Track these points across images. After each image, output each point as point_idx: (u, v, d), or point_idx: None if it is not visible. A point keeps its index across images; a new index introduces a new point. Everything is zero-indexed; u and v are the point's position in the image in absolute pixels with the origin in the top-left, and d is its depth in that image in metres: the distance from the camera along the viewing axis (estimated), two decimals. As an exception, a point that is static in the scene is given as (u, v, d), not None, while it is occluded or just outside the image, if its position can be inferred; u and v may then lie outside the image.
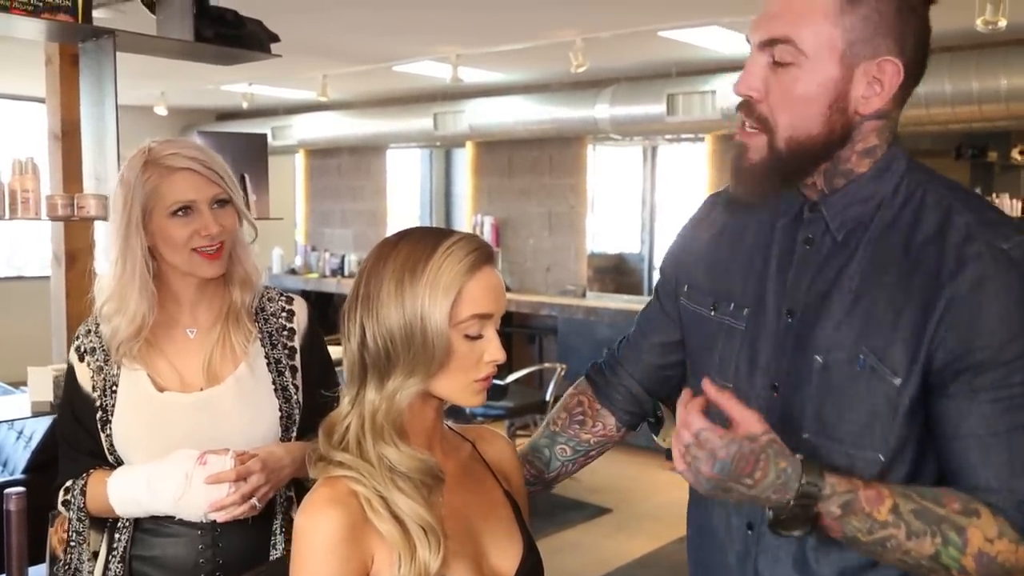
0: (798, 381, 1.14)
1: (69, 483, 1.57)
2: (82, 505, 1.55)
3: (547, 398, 5.17)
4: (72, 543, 1.58)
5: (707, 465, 1.02)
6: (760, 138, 1.12)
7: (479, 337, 1.10)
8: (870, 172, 1.13)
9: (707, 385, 1.06)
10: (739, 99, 1.14)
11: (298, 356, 1.65)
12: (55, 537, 2.03)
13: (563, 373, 5.33)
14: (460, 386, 1.11)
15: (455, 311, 1.07)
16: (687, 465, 1.04)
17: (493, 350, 1.11)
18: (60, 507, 1.59)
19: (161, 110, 7.40)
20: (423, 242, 1.10)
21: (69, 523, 1.58)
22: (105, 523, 1.60)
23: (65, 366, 2.86)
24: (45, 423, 3.26)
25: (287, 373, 1.63)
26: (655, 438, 1.54)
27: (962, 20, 3.49)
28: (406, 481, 1.08)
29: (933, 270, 1.07)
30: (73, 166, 2.97)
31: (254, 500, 1.47)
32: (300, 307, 1.69)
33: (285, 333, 1.66)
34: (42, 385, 2.61)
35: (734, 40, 4.80)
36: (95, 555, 1.59)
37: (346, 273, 7.87)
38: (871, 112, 1.10)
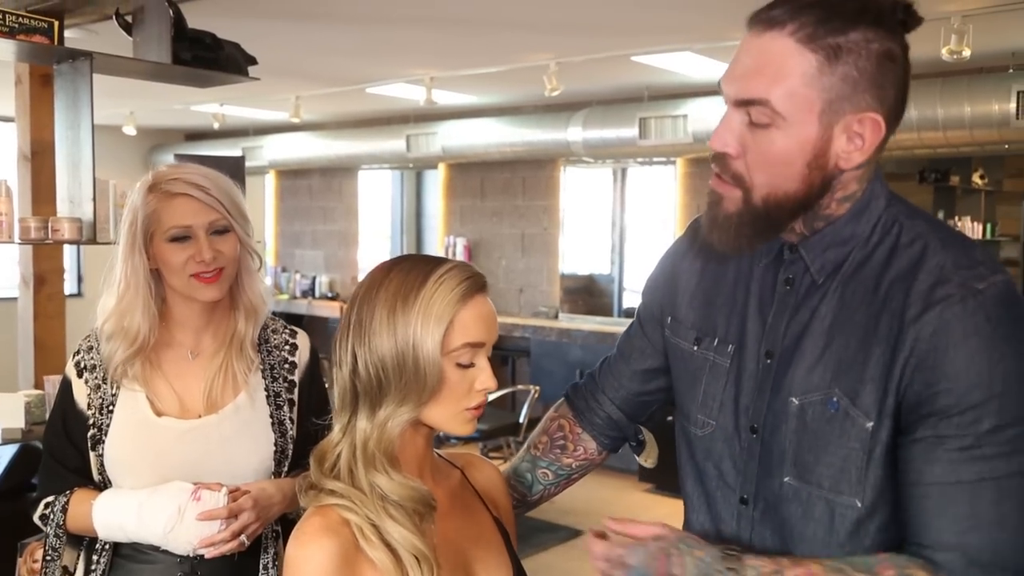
0: (776, 424, 1.14)
1: (50, 498, 1.56)
2: (61, 522, 1.55)
3: (521, 420, 5.17)
4: (47, 558, 1.57)
5: (631, 557, 1.06)
6: (735, 191, 1.10)
7: (471, 365, 1.10)
8: (848, 214, 1.12)
9: (609, 523, 1.12)
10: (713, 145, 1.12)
11: (296, 390, 1.65)
12: (24, 567, 2.00)
13: (537, 395, 5.33)
14: (451, 414, 1.11)
15: (447, 340, 1.07)
16: None
17: (485, 378, 1.11)
18: (36, 520, 1.58)
19: (130, 130, 7.33)
20: (415, 270, 1.10)
21: (45, 539, 1.57)
22: (81, 541, 1.59)
23: (35, 391, 2.83)
24: (12, 450, 3.20)
25: (285, 407, 1.62)
26: (637, 459, 1.55)
27: (928, 50, 3.57)
28: (398, 509, 1.07)
29: (899, 310, 1.05)
30: (44, 188, 2.94)
31: (243, 537, 1.47)
32: (303, 341, 1.70)
33: (286, 366, 1.66)
34: (13, 411, 2.56)
35: (706, 65, 4.86)
36: (65, 571, 1.58)
37: (317, 295, 7.83)
38: (853, 166, 1.08)
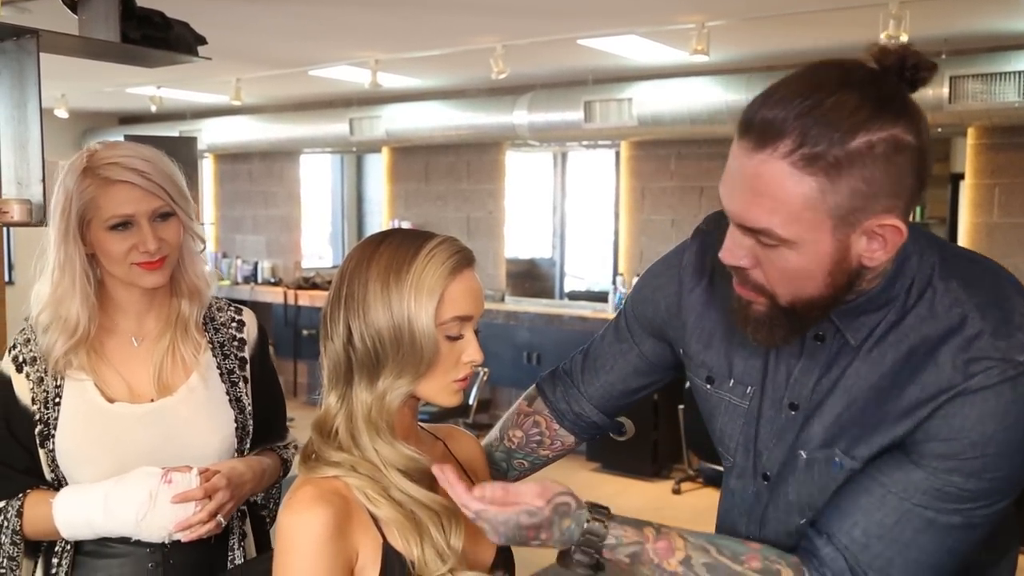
0: (786, 473, 1.15)
1: (2, 504, 1.47)
2: (18, 528, 1.45)
3: (470, 402, 5.19)
4: (2, 570, 1.47)
5: (493, 534, 1.09)
6: (761, 298, 1.06)
7: (459, 338, 1.13)
8: (881, 284, 1.06)
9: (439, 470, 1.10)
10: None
11: (248, 367, 1.62)
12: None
13: (485, 377, 5.36)
14: (440, 387, 1.14)
15: (437, 313, 1.10)
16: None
17: (472, 351, 1.14)
18: None
19: (62, 113, 7.13)
20: (405, 245, 1.12)
21: (0, 547, 1.48)
22: (38, 547, 1.51)
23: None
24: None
25: (240, 384, 1.59)
26: (614, 437, 1.59)
27: (867, 35, 3.67)
28: (404, 473, 1.11)
29: (932, 383, 1.02)
30: (-14, 170, 2.85)
31: (220, 517, 1.43)
32: (249, 317, 1.67)
33: (236, 343, 1.62)
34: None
35: (650, 49, 4.93)
36: None
37: (259, 280, 7.73)
38: (877, 264, 1.01)
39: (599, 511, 1.09)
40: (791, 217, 0.96)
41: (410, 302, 1.08)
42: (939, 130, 4.94)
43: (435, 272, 1.09)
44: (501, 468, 1.45)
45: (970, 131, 4.91)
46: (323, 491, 1.08)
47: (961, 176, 5.14)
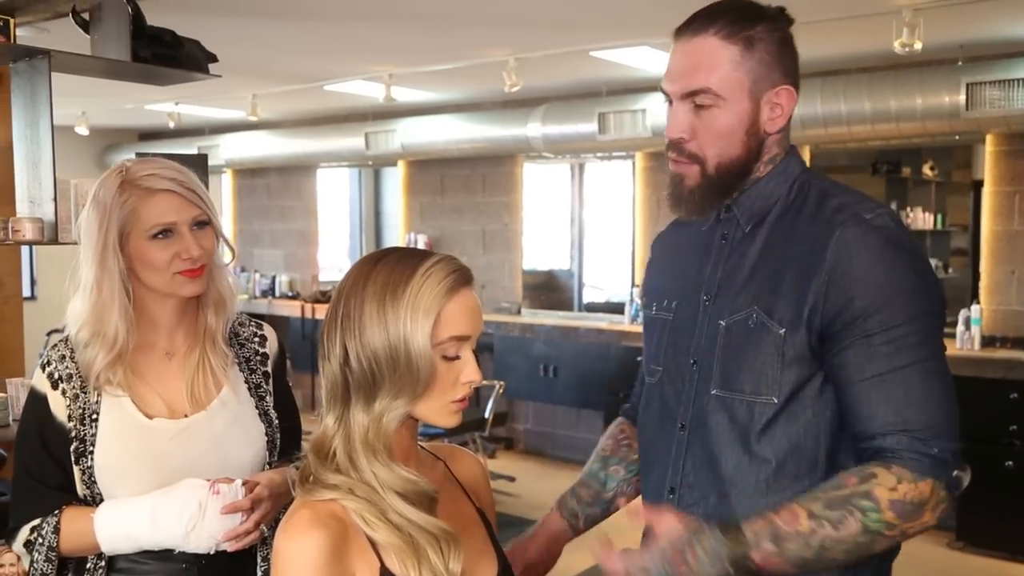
0: (709, 347, 1.34)
1: (36, 521, 1.47)
2: (54, 544, 1.45)
3: (486, 415, 5.18)
4: None
5: None
6: (693, 168, 1.35)
7: (457, 358, 1.11)
8: (770, 174, 1.36)
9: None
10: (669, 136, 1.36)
11: (271, 381, 1.64)
12: (-7, 573, 1.94)
13: (501, 390, 5.34)
14: (438, 407, 1.12)
15: (434, 333, 1.08)
16: None
17: (470, 371, 1.12)
18: (21, 548, 1.48)
19: (82, 130, 7.21)
20: (402, 264, 1.11)
21: (31, 565, 1.47)
22: (66, 564, 1.51)
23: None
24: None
25: (267, 398, 1.62)
26: None
27: (881, 43, 3.65)
28: (405, 497, 1.10)
29: (810, 237, 1.28)
30: (3, 188, 2.88)
31: (263, 526, 1.47)
32: (270, 333, 1.70)
33: (259, 358, 1.64)
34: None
35: (663, 60, 4.91)
36: None
37: (277, 294, 7.76)
38: (776, 130, 1.34)
39: (724, 525, 1.20)
40: (723, 76, 1.30)
41: (406, 322, 1.07)
42: (956, 137, 4.89)
43: (432, 291, 1.08)
44: (599, 478, 1.55)
45: (988, 138, 4.85)
46: (320, 514, 1.07)
47: (983, 183, 5.08)
